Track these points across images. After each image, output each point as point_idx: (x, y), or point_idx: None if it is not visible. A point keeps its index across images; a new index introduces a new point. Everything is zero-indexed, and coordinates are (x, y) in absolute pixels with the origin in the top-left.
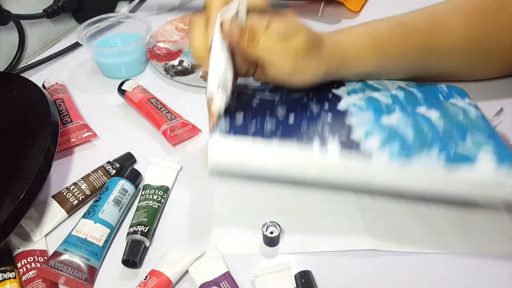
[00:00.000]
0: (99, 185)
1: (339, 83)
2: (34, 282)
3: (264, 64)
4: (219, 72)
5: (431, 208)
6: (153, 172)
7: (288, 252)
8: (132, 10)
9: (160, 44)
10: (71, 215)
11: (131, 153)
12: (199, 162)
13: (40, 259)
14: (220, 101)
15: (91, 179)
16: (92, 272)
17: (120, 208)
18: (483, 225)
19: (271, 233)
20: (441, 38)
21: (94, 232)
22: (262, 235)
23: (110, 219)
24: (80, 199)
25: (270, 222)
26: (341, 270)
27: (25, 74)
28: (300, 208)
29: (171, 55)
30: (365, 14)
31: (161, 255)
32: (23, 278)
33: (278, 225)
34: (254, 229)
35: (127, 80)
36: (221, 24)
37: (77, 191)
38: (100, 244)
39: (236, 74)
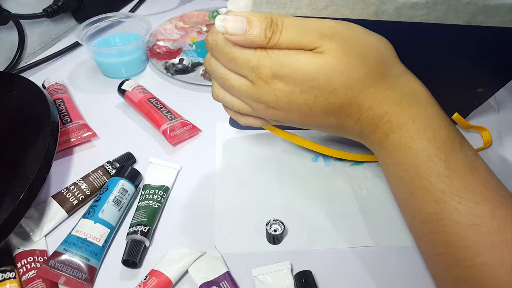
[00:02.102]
0: (99, 185)
1: None
2: (34, 282)
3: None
4: None
5: None
6: (153, 172)
7: (291, 249)
8: (132, 10)
9: (160, 43)
10: (71, 215)
11: (131, 153)
12: (199, 162)
13: (40, 259)
14: None
15: (91, 179)
16: (92, 272)
17: (120, 208)
18: None
19: (275, 231)
20: None
21: (94, 232)
22: (266, 233)
23: (110, 219)
24: (80, 199)
25: (273, 220)
26: (341, 270)
27: (25, 74)
28: (301, 207)
29: (171, 53)
30: None
31: (161, 255)
32: (23, 278)
33: (282, 223)
34: (256, 227)
35: (127, 79)
36: None
37: (77, 191)
38: (100, 244)
39: None
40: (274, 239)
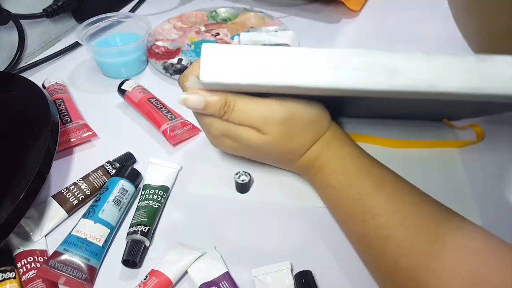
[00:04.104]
0: (99, 185)
1: None
2: (34, 282)
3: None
4: None
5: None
6: (153, 172)
7: (256, 199)
8: (132, 10)
9: (159, 43)
10: (71, 215)
11: (131, 153)
12: (199, 162)
13: (40, 259)
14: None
15: (91, 179)
16: (92, 272)
17: (120, 208)
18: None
19: (243, 180)
20: None
21: (94, 232)
22: (235, 182)
23: (110, 219)
24: (80, 199)
25: (242, 171)
26: (341, 270)
27: (25, 74)
28: (274, 172)
29: (170, 53)
30: (365, 13)
31: (161, 255)
32: (23, 278)
33: (249, 174)
34: (229, 178)
35: (127, 79)
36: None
37: (77, 191)
38: (100, 244)
39: None
40: (241, 188)
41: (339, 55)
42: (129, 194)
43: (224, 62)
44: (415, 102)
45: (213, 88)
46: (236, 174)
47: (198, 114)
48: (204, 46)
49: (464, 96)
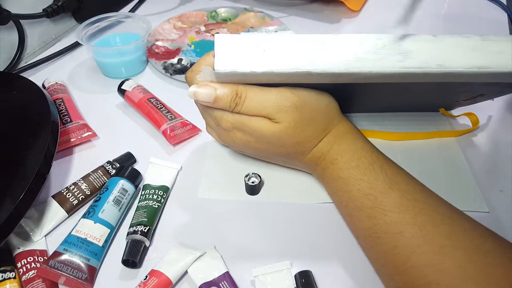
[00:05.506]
0: (99, 185)
1: None
2: (34, 282)
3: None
4: None
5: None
6: (153, 172)
7: (255, 200)
8: (132, 10)
9: (159, 43)
10: (71, 215)
11: (131, 153)
12: (199, 162)
13: (40, 259)
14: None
15: (91, 179)
16: (92, 272)
17: (120, 208)
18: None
19: (253, 182)
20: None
21: (94, 232)
22: (244, 184)
23: (110, 219)
24: (80, 199)
25: (252, 173)
26: (341, 270)
27: (25, 74)
28: (281, 175)
29: (170, 53)
30: (365, 13)
31: (161, 255)
32: (23, 278)
33: (259, 176)
34: (238, 181)
35: (127, 79)
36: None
37: (77, 191)
38: (100, 244)
39: None
40: (252, 190)
41: (352, 40)
42: (129, 194)
43: (238, 51)
44: (420, 88)
45: (226, 79)
46: (246, 176)
47: (208, 108)
48: (217, 37)
49: (472, 75)
